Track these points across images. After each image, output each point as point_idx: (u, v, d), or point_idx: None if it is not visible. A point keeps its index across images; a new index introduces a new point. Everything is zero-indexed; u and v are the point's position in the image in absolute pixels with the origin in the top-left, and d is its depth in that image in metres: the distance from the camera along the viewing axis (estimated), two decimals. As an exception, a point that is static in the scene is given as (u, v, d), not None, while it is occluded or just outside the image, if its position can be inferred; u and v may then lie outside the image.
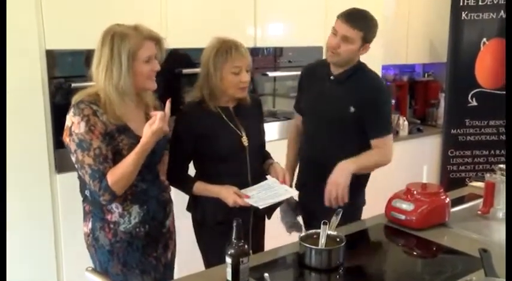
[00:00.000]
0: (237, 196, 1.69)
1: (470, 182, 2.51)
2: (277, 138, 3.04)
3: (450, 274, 1.44)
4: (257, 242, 1.92)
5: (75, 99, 1.55)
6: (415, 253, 1.69)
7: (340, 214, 1.62)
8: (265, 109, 3.04)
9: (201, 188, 1.78)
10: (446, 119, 3.94)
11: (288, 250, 1.59)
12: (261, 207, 1.67)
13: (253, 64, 2.86)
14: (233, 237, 1.32)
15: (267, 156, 1.97)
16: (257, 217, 1.87)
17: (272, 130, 3.05)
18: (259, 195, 1.74)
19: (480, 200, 1.96)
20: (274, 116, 3.10)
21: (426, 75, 4.35)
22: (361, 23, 1.86)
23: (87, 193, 1.61)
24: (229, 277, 1.31)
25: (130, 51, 1.51)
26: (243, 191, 1.73)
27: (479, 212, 1.92)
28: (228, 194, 1.70)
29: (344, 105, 1.91)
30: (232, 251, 1.30)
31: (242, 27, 2.82)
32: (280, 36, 3.03)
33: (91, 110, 1.50)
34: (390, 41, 3.52)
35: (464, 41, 3.79)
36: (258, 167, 1.88)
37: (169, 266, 1.78)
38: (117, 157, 1.53)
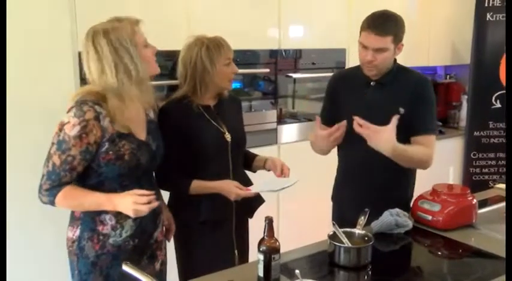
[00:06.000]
0: (239, 189, 1.70)
1: (495, 184, 2.49)
2: (296, 140, 3.06)
3: (480, 274, 1.45)
4: (242, 241, 1.92)
5: (73, 97, 1.45)
6: (441, 254, 1.69)
7: (368, 214, 1.63)
8: (285, 111, 3.07)
9: (199, 185, 1.75)
10: (469, 121, 3.91)
11: (317, 247, 1.61)
12: (264, 191, 1.67)
13: (277, 66, 2.93)
14: (265, 234, 1.33)
15: (250, 154, 1.97)
16: (240, 216, 1.87)
17: (292, 132, 3.07)
18: (261, 187, 1.76)
19: (507, 202, 1.95)
20: (295, 117, 3.12)
21: (448, 77, 4.32)
22: (387, 27, 1.76)
23: None
24: (260, 273, 1.33)
25: (130, 39, 1.45)
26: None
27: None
28: (229, 188, 1.71)
29: (393, 107, 1.81)
30: (264, 248, 1.32)
31: (266, 30, 2.85)
32: (303, 38, 3.05)
33: (93, 113, 1.41)
34: (412, 43, 3.47)
35: (488, 42, 3.76)
36: (240, 164, 1.90)
37: (159, 277, 1.66)
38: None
